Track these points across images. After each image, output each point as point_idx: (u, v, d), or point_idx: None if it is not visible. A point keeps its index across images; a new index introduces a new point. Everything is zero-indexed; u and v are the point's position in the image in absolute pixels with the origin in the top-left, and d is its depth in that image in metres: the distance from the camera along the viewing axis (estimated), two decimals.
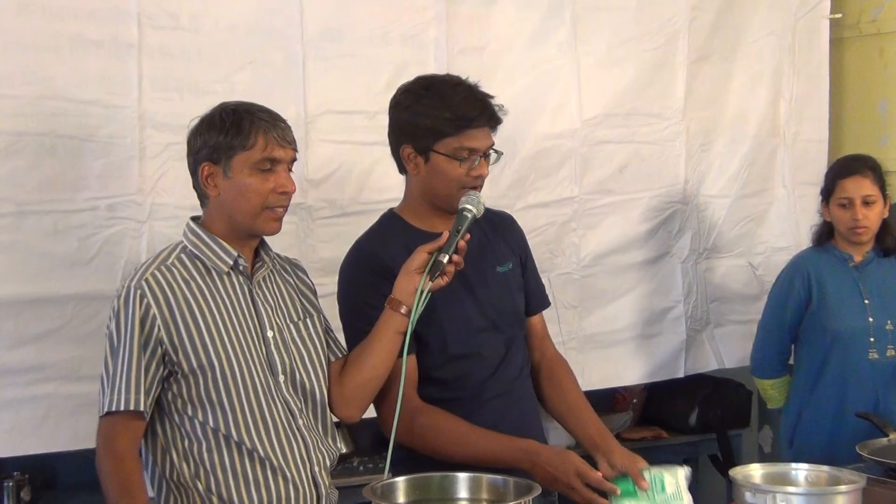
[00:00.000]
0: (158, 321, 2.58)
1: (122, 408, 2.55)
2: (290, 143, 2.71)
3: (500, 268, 3.06)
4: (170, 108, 3.49)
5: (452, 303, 2.88)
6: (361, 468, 4.20)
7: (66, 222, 3.36)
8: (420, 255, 2.77)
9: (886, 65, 5.02)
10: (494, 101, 2.92)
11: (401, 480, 2.50)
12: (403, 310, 2.77)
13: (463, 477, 2.54)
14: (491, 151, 2.94)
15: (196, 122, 2.73)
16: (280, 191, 2.67)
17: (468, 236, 2.79)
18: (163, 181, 3.49)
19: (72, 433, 3.37)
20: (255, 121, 2.66)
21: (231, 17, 3.61)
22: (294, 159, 2.73)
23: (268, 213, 2.68)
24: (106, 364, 2.60)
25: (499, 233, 3.12)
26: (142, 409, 2.57)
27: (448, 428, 2.85)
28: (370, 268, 2.92)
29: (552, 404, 3.19)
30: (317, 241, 3.67)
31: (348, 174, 3.82)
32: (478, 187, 2.91)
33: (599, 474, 2.78)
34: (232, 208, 2.68)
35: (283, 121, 2.73)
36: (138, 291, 2.58)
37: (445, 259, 2.74)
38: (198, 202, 3.37)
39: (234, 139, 2.64)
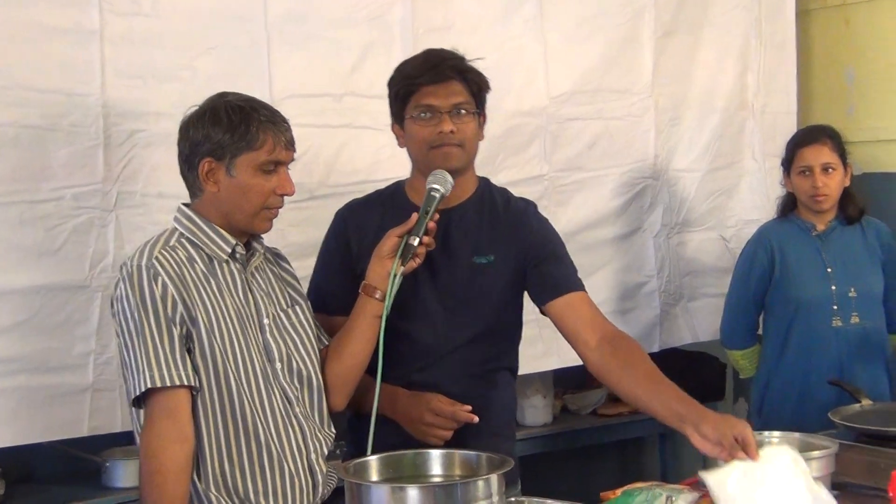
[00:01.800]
0: (178, 298, 2.56)
1: (176, 382, 2.52)
2: (292, 145, 2.72)
3: (477, 258, 2.98)
4: (134, 95, 3.47)
5: (408, 280, 2.84)
6: (338, 451, 4.19)
7: (32, 213, 3.33)
8: (390, 240, 2.78)
9: (852, 35, 5.03)
10: (461, 59, 2.94)
11: (373, 459, 2.51)
12: (378, 294, 2.79)
13: (436, 454, 2.54)
14: (475, 112, 2.95)
15: (195, 110, 2.69)
16: (280, 192, 2.69)
17: (437, 217, 2.79)
18: (128, 169, 3.47)
19: (45, 424, 3.36)
20: (262, 121, 2.65)
21: (193, 2, 3.58)
22: (293, 160, 2.74)
23: (265, 213, 2.69)
24: (129, 347, 2.55)
25: (496, 222, 3.02)
26: (194, 384, 2.55)
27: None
28: (335, 231, 3.03)
29: (624, 387, 2.94)
30: (286, 226, 3.65)
31: (316, 158, 3.80)
32: (456, 145, 2.90)
33: (453, 407, 2.79)
34: (231, 206, 2.67)
35: (285, 120, 2.73)
36: (151, 270, 2.56)
37: (416, 242, 2.75)
38: (164, 189, 3.41)
39: (242, 139, 2.63)
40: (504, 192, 3.11)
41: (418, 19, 3.99)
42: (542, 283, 3.00)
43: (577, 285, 3.03)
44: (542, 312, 3.04)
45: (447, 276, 2.95)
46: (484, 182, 3.08)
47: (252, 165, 2.64)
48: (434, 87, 2.90)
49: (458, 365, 2.96)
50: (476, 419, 2.81)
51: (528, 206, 3.11)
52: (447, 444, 2.78)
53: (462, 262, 2.96)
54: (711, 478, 2.56)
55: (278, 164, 2.67)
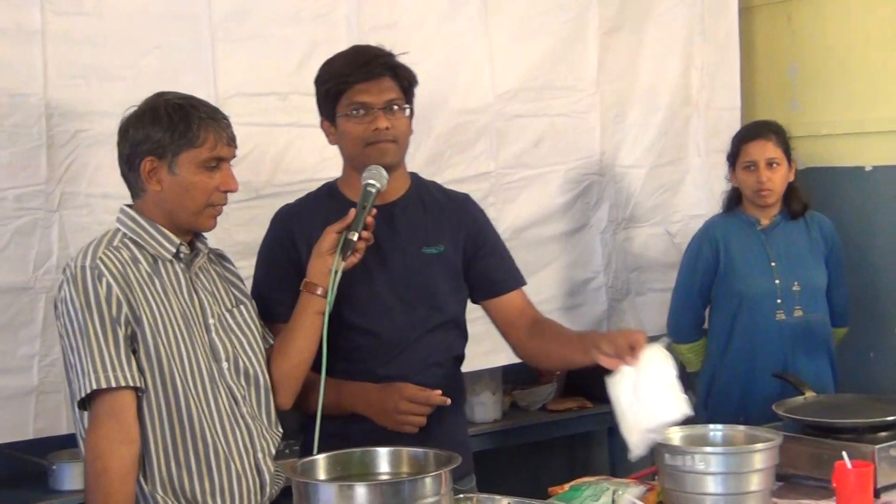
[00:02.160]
0: (122, 299, 2.55)
1: (121, 383, 2.50)
2: (233, 141, 2.72)
3: (427, 249, 3.03)
4: (77, 95, 3.44)
5: (360, 275, 2.88)
6: (288, 451, 4.19)
7: None
8: (329, 236, 2.80)
9: (795, 31, 5.08)
10: (391, 56, 2.97)
11: (321, 457, 2.50)
12: (319, 291, 2.80)
13: (383, 451, 2.54)
14: (405, 107, 2.97)
15: (134, 111, 2.69)
16: (224, 189, 2.69)
17: (374, 212, 2.81)
18: (72, 170, 3.45)
19: None
20: (203, 118, 2.65)
21: (136, 1, 3.56)
22: (234, 157, 2.74)
23: (209, 210, 2.69)
24: (74, 348, 2.54)
25: (440, 214, 3.08)
26: (139, 384, 2.54)
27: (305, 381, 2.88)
28: (277, 236, 3.01)
29: (545, 359, 3.20)
30: (232, 225, 3.64)
31: (262, 156, 3.79)
32: (391, 140, 2.93)
33: (425, 392, 2.84)
34: (174, 204, 2.66)
35: (226, 118, 2.73)
36: (95, 271, 2.54)
37: (355, 237, 2.77)
38: (108, 189, 3.38)
39: (182, 137, 2.62)
40: (436, 185, 3.18)
41: (364, 17, 3.99)
42: (485, 279, 3.10)
43: (519, 281, 3.17)
44: (477, 303, 3.16)
45: (400, 268, 2.98)
46: (415, 176, 3.13)
47: (194, 163, 2.64)
48: (366, 85, 2.92)
49: (420, 356, 3.00)
50: (449, 401, 2.86)
51: (466, 197, 3.21)
52: (419, 437, 2.81)
53: (413, 253, 3.00)
54: (608, 383, 2.77)
55: (220, 160, 2.67)
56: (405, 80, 2.99)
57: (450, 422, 3.02)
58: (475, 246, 3.10)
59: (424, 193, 3.09)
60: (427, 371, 2.99)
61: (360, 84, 2.92)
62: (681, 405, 2.71)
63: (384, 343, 2.97)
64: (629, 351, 2.74)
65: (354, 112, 2.92)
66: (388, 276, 2.96)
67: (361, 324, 2.94)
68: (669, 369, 2.75)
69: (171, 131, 2.62)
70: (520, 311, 3.13)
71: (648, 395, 2.72)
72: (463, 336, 3.15)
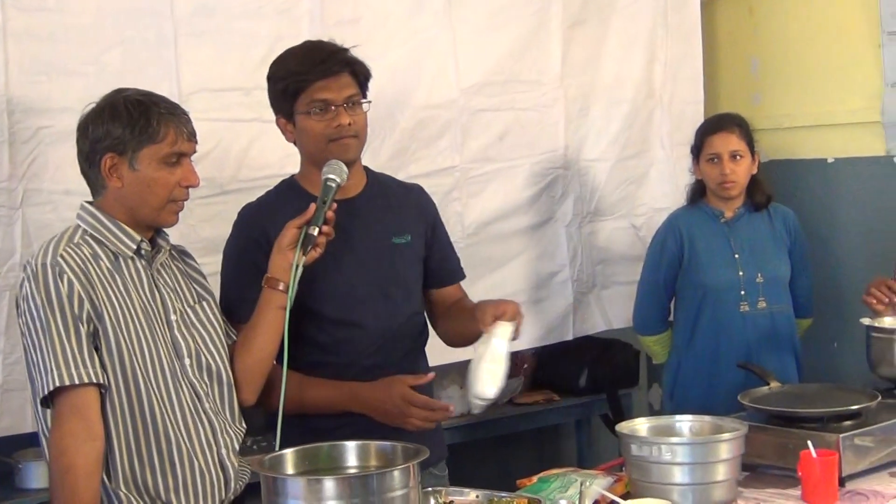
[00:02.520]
0: (84, 296, 2.54)
1: (84, 380, 2.49)
2: (194, 136, 2.72)
3: (396, 239, 3.09)
4: (38, 91, 3.42)
5: (336, 269, 2.90)
6: (255, 447, 4.18)
7: None
8: (290, 231, 2.81)
9: (756, 24, 5.11)
10: (348, 52, 2.99)
11: (289, 452, 2.50)
12: (281, 286, 2.81)
13: (351, 445, 2.55)
14: (362, 102, 2.99)
15: (93, 108, 2.68)
16: (185, 184, 2.69)
17: (335, 206, 2.81)
18: (34, 166, 3.43)
19: None
20: (162, 114, 2.65)
21: None
22: (195, 152, 2.74)
23: (171, 205, 2.69)
24: (36, 346, 2.53)
25: (401, 204, 3.15)
26: (102, 381, 2.53)
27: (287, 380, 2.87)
28: (249, 235, 2.99)
29: (448, 332, 3.25)
30: (197, 221, 3.63)
31: (226, 152, 3.78)
32: (348, 137, 2.95)
33: (424, 397, 2.87)
34: (136, 201, 2.66)
35: (185, 113, 2.73)
36: (56, 268, 2.53)
37: (315, 231, 2.78)
38: (71, 186, 3.36)
39: (143, 132, 2.62)
40: (388, 176, 3.25)
41: (327, 12, 3.98)
42: (439, 268, 3.23)
43: (460, 274, 3.32)
44: (427, 290, 3.22)
45: (373, 260, 3.01)
46: (367, 169, 3.17)
47: (155, 158, 2.63)
48: (326, 82, 2.94)
49: (401, 343, 3.06)
50: (452, 410, 2.93)
51: (420, 188, 3.30)
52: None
53: (383, 244, 3.04)
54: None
55: (181, 156, 2.67)
56: (362, 75, 3.02)
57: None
58: (432, 236, 3.20)
59: (383, 185, 3.15)
60: (408, 357, 3.07)
61: (319, 81, 2.93)
62: (487, 387, 2.82)
63: (369, 334, 3.00)
64: (490, 319, 2.85)
65: (316, 110, 2.93)
66: (363, 268, 2.99)
67: (343, 317, 2.97)
68: (500, 350, 2.85)
69: (130, 127, 2.62)
70: (455, 300, 3.25)
71: (474, 368, 2.83)
72: (427, 323, 3.22)
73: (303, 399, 2.92)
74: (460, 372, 4.55)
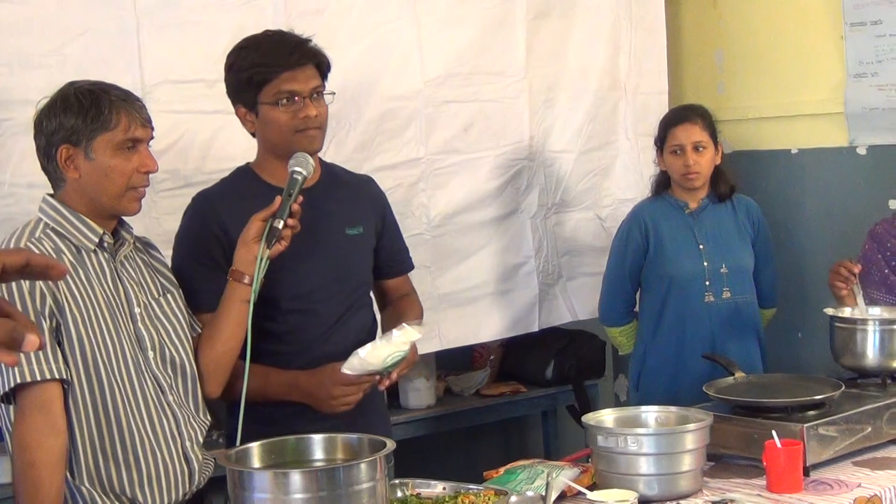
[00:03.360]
0: (45, 291, 2.52)
1: (46, 376, 2.48)
2: (149, 122, 2.71)
3: (349, 230, 3.12)
4: (0, 83, 3.38)
5: (292, 259, 2.90)
6: (221, 440, 4.16)
7: None
8: (255, 224, 2.81)
9: (721, 16, 5.13)
10: (311, 43, 3.00)
11: (255, 445, 2.49)
12: (246, 279, 2.82)
13: (318, 438, 2.53)
14: (325, 94, 3.01)
15: (46, 102, 2.67)
16: (143, 170, 2.68)
17: (301, 199, 2.81)
18: None
19: None
20: (113, 101, 2.64)
21: None
22: (152, 138, 2.73)
23: (131, 193, 2.68)
24: None
25: (354, 196, 3.17)
26: (65, 376, 2.51)
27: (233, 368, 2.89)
28: (206, 226, 2.99)
29: (387, 326, 3.22)
30: (161, 214, 3.60)
31: (190, 144, 3.75)
32: (316, 128, 2.98)
33: (353, 377, 2.86)
34: (95, 190, 2.65)
35: (139, 100, 2.73)
36: None
37: (281, 224, 2.79)
38: (33, 179, 3.31)
39: (95, 121, 2.62)
40: (340, 167, 3.27)
41: (290, 3, 3.95)
42: (388, 259, 3.29)
43: (409, 265, 3.41)
44: (376, 280, 3.29)
45: (327, 250, 3.03)
46: (322, 160, 3.19)
47: (110, 146, 2.63)
48: (293, 73, 2.96)
49: (350, 333, 3.07)
50: (384, 385, 2.93)
51: (370, 179, 3.34)
52: (348, 424, 2.82)
53: (337, 235, 3.06)
54: None
55: (136, 142, 2.66)
56: (325, 67, 3.05)
57: (371, 393, 3.06)
58: (383, 226, 3.24)
59: (336, 177, 3.17)
60: (359, 346, 3.01)
61: (286, 73, 2.94)
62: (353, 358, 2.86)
63: (320, 322, 3.03)
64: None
65: (283, 101, 2.94)
66: (317, 259, 3.00)
67: (296, 306, 2.99)
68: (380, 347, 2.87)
69: (83, 116, 2.61)
70: (399, 292, 3.33)
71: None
72: (373, 311, 3.27)
73: (266, 390, 2.92)
74: (427, 364, 4.59)
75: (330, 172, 3.18)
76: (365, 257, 3.18)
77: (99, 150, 2.62)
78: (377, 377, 2.89)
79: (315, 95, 2.98)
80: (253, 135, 3.11)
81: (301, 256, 2.95)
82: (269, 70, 2.94)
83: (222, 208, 3.00)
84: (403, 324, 2.90)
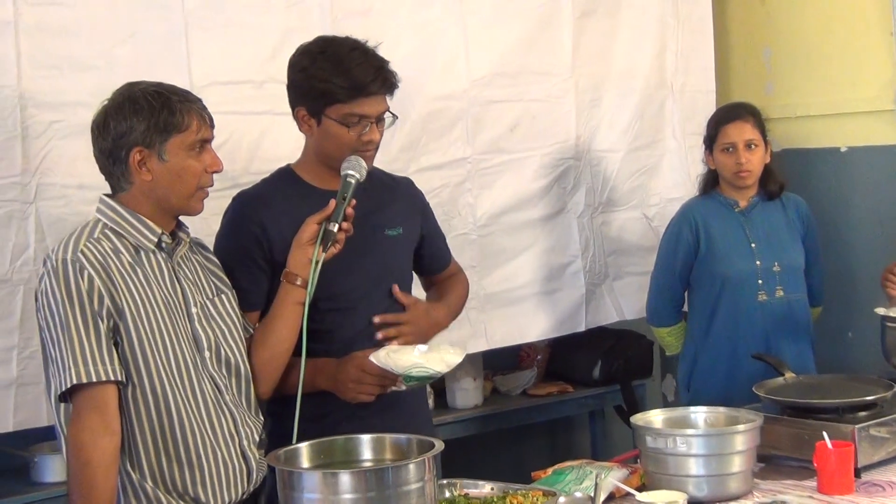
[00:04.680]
0: (104, 292, 2.54)
1: (102, 378, 2.50)
2: (213, 122, 2.74)
3: (389, 231, 3.12)
4: (51, 85, 3.41)
5: (332, 259, 2.89)
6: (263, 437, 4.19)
7: None
8: (310, 227, 2.84)
9: (769, 13, 5.09)
10: (389, 67, 2.99)
11: (304, 445, 2.51)
12: (299, 281, 2.84)
13: (366, 438, 2.55)
14: (386, 115, 3.00)
15: (109, 105, 2.68)
16: (212, 170, 2.71)
17: (354, 202, 2.82)
18: (47, 161, 3.41)
19: None
20: (184, 101, 2.67)
21: None
22: (214, 138, 2.76)
23: (200, 193, 2.72)
24: (55, 342, 2.53)
25: (394, 197, 3.18)
26: (121, 378, 2.54)
27: None
28: (246, 227, 2.99)
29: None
30: (209, 214, 3.55)
31: (238, 145, 3.77)
32: (369, 150, 2.99)
33: (379, 368, 2.83)
34: (167, 191, 2.67)
35: (200, 99, 2.75)
36: (76, 264, 2.54)
37: (335, 228, 2.80)
38: (84, 180, 3.37)
39: (168, 122, 2.64)
40: (380, 169, 3.24)
41: (337, 4, 3.97)
42: (432, 257, 3.32)
43: (449, 258, 3.43)
44: (421, 277, 3.36)
45: (367, 251, 3.02)
46: None
47: (182, 147, 2.65)
48: (373, 100, 2.95)
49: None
50: (403, 387, 2.88)
51: (410, 181, 3.34)
52: (388, 420, 2.85)
53: (377, 235, 3.06)
54: None
55: (205, 142, 2.70)
56: (394, 91, 3.04)
57: (415, 394, 3.11)
58: (424, 228, 3.25)
59: (375, 179, 3.15)
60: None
61: (370, 98, 2.93)
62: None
63: (359, 322, 3.02)
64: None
65: (352, 122, 2.94)
66: (356, 258, 2.98)
67: (335, 305, 2.99)
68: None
69: (155, 119, 2.63)
70: (447, 276, 3.39)
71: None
72: None
73: (315, 381, 2.92)
74: (473, 363, 4.59)
75: (370, 174, 3.14)
76: (404, 258, 3.19)
77: (172, 152, 2.65)
78: (398, 380, 2.87)
79: (381, 119, 2.99)
80: (306, 135, 3.10)
81: (340, 256, 2.95)
82: (348, 93, 2.91)
83: (262, 209, 3.01)
84: (447, 344, 2.93)
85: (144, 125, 2.63)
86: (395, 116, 3.04)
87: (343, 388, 2.91)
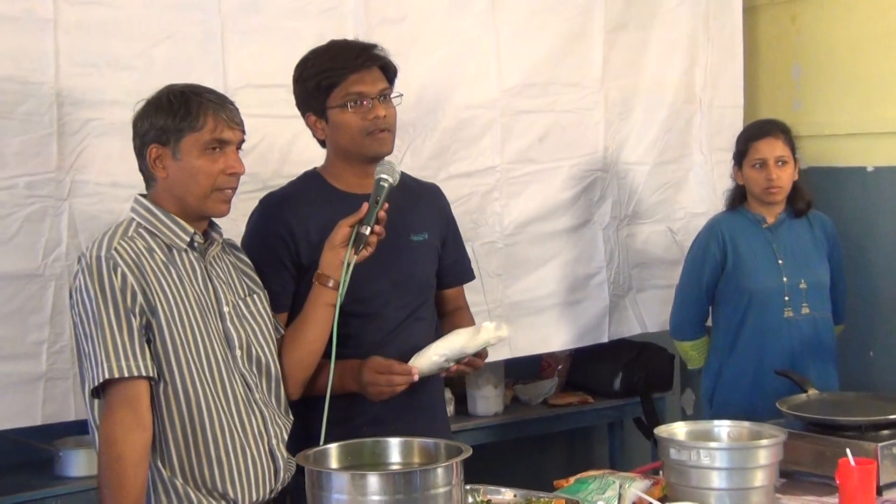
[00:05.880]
0: (137, 289, 2.57)
1: (134, 373, 2.53)
2: (239, 125, 2.74)
3: (414, 237, 3.14)
4: (88, 83, 3.45)
5: (359, 265, 2.90)
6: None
7: None
8: (342, 230, 2.85)
9: (799, 31, 5.10)
10: (378, 47, 3.05)
11: (333, 447, 2.53)
12: (331, 283, 2.85)
13: (394, 441, 2.57)
14: (392, 96, 3.04)
15: (142, 104, 2.73)
16: (229, 172, 2.70)
17: (387, 206, 2.84)
18: (82, 158, 3.46)
19: None
20: (203, 102, 2.68)
21: None
22: (242, 141, 2.76)
23: (217, 194, 2.71)
24: (88, 338, 2.56)
25: (420, 203, 3.19)
26: (152, 374, 2.57)
27: None
28: (273, 228, 3.02)
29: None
30: (240, 216, 3.61)
31: (270, 148, 3.81)
32: (383, 130, 3.01)
33: (387, 362, 2.92)
34: (182, 190, 2.69)
35: (231, 102, 2.76)
36: (110, 261, 2.57)
37: (367, 231, 2.82)
38: (118, 178, 3.41)
39: (183, 121, 2.66)
40: (407, 174, 3.24)
41: (371, 11, 4.00)
42: (449, 268, 3.29)
43: (470, 275, 3.40)
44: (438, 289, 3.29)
45: (391, 256, 3.02)
46: None
47: (196, 147, 2.67)
48: (360, 75, 2.99)
49: (411, 339, 3.07)
50: (416, 375, 2.92)
51: (436, 187, 3.36)
52: (407, 424, 2.87)
53: (402, 241, 3.07)
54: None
55: (223, 143, 2.69)
56: (391, 71, 3.08)
57: (431, 402, 3.17)
58: (448, 235, 3.26)
59: (402, 183, 3.14)
60: (414, 354, 3.06)
61: (353, 75, 2.99)
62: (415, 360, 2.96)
63: (382, 327, 3.05)
64: None
65: (351, 103, 2.98)
66: (381, 263, 2.98)
67: (360, 310, 3.00)
68: (451, 342, 2.97)
69: (171, 117, 2.66)
70: (454, 304, 3.33)
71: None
72: (436, 320, 3.26)
73: (343, 383, 2.95)
74: (495, 371, 4.61)
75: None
76: (429, 263, 3.20)
77: (186, 151, 2.67)
78: (412, 371, 2.92)
79: (383, 97, 3.01)
80: (321, 143, 3.14)
81: (366, 261, 2.95)
82: (336, 73, 2.98)
83: (289, 211, 3.04)
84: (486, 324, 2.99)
85: (161, 123, 2.67)
86: (399, 95, 3.07)
87: (366, 390, 2.94)
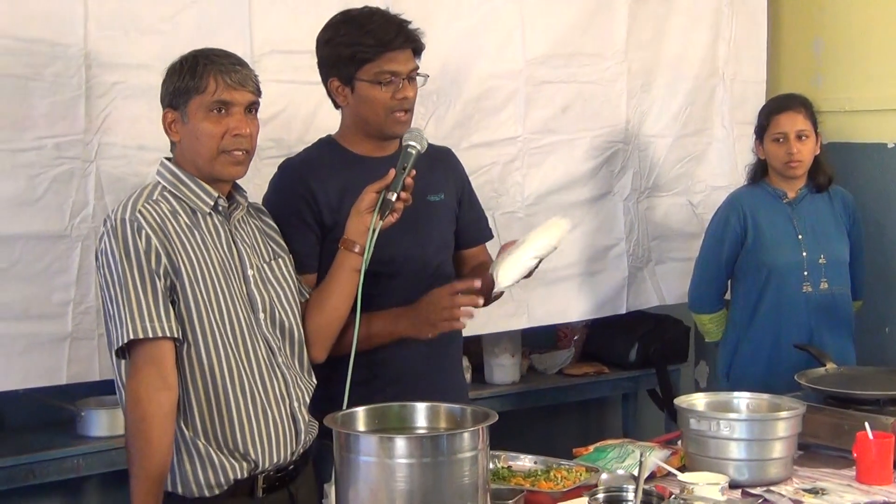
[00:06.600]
0: (161, 251, 2.59)
1: (158, 334, 2.55)
2: (245, 86, 2.72)
3: (431, 197, 3.16)
4: (115, 47, 3.47)
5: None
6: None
7: (13, 161, 3.33)
8: (369, 196, 2.87)
9: (822, 6, 5.09)
10: (411, 25, 3.04)
11: (360, 410, 2.55)
12: (357, 249, 2.87)
13: (421, 406, 2.59)
14: (417, 76, 3.05)
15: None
16: (234, 133, 2.70)
17: (414, 172, 2.86)
18: (109, 120, 3.47)
19: (24, 372, 3.38)
20: (208, 64, 2.69)
21: None
22: (254, 102, 2.76)
23: (224, 157, 2.71)
24: (113, 299, 2.58)
25: (435, 165, 3.20)
26: (177, 335, 2.59)
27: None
28: (295, 190, 3.04)
29: None
30: (263, 181, 3.64)
31: (295, 114, 3.82)
32: (406, 110, 3.03)
33: (461, 282, 2.96)
34: (192, 153, 2.71)
35: (243, 64, 2.76)
36: (135, 224, 2.59)
37: (394, 197, 2.84)
38: (144, 141, 3.45)
39: (189, 83, 2.67)
40: None
41: None
42: (468, 227, 3.31)
43: (489, 234, 3.42)
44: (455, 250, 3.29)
45: (411, 216, 3.01)
46: None
47: (201, 109, 2.68)
48: (396, 54, 3.00)
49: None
50: (478, 284, 2.94)
51: (450, 150, 3.37)
52: (428, 385, 2.93)
53: (419, 202, 3.06)
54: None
55: (227, 104, 2.69)
56: (420, 50, 3.09)
57: (451, 365, 3.21)
58: (464, 196, 3.28)
59: None
60: None
61: (389, 53, 2.98)
62: (501, 277, 2.95)
63: (403, 285, 3.07)
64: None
65: (385, 80, 2.98)
66: (399, 224, 2.98)
67: (379, 269, 2.99)
68: (535, 245, 2.96)
69: (180, 80, 2.69)
70: (476, 260, 3.31)
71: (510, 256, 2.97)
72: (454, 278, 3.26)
73: (370, 333, 2.97)
74: (512, 340, 4.63)
75: None
76: (447, 223, 3.22)
77: (192, 114, 2.68)
78: (476, 283, 2.93)
79: (412, 78, 3.03)
80: (336, 106, 3.15)
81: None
82: (375, 49, 2.97)
83: (310, 175, 3.06)
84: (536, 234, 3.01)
85: (172, 87, 2.69)
86: (424, 76, 3.07)
87: (429, 322, 2.95)
